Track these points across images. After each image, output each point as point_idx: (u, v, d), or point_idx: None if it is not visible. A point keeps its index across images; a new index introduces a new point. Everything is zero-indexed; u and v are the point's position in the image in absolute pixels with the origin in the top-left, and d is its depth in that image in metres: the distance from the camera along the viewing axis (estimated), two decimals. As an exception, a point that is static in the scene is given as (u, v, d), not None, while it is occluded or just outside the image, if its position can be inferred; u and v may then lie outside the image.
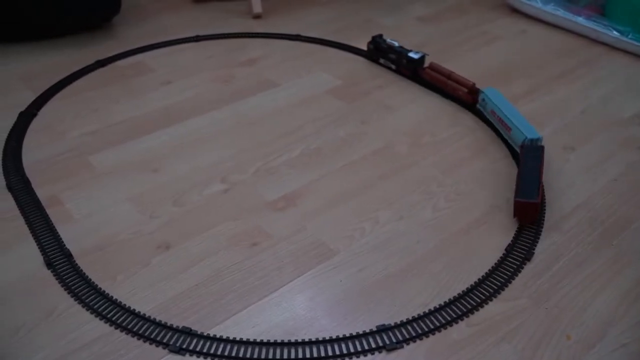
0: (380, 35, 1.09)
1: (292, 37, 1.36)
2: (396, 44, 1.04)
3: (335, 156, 0.97)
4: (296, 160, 0.96)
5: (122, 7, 1.42)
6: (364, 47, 1.29)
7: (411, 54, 1.07)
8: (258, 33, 1.38)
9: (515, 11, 1.48)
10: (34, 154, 0.97)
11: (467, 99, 1.06)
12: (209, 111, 1.09)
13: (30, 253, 0.78)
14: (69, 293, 0.72)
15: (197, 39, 1.35)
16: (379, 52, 1.16)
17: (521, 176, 0.83)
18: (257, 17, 1.46)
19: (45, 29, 1.31)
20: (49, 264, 0.75)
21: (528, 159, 0.86)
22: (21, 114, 1.06)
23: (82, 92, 1.15)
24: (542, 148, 0.88)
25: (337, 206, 0.86)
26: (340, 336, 0.66)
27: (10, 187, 0.89)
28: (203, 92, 1.15)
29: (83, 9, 1.30)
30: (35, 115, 1.07)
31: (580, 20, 1.35)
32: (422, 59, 1.10)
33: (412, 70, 1.12)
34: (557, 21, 1.40)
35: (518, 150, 0.92)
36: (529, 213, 0.80)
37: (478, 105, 1.05)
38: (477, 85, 1.08)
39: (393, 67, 1.17)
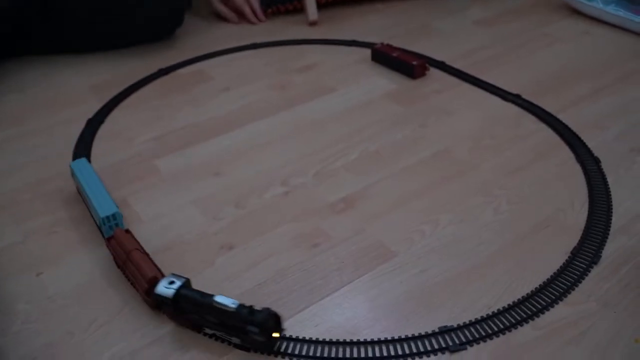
0: None
1: (348, 43, 1.37)
2: None
3: (393, 159, 0.97)
4: (354, 163, 0.97)
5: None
6: (421, 52, 1.29)
7: None
8: (314, 40, 1.40)
9: (576, 12, 1.45)
10: (103, 159, 1.01)
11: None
12: (266, 117, 1.11)
13: (100, 253, 0.81)
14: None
15: (254, 46, 1.38)
16: None
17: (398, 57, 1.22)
18: (313, 24, 1.48)
19: (111, 42, 1.37)
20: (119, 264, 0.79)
21: None
22: (89, 121, 1.11)
23: (146, 100, 1.19)
24: None
25: (396, 209, 0.87)
26: (403, 337, 0.66)
27: (80, 192, 0.93)
28: (261, 99, 1.17)
29: (148, 24, 1.36)
30: (102, 122, 1.12)
31: (644, 20, 1.31)
32: None
33: None
34: (619, 22, 1.36)
35: None
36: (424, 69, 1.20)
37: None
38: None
39: None
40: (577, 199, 0.86)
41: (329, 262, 0.78)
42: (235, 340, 0.67)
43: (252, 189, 0.92)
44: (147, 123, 1.11)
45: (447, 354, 0.65)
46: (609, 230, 0.80)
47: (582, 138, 0.98)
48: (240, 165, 0.98)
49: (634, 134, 0.99)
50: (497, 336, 0.66)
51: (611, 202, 0.84)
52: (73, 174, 0.89)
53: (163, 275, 0.71)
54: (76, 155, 1.01)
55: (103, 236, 0.81)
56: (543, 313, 0.68)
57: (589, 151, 0.95)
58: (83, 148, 1.04)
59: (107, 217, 0.80)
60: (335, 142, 1.02)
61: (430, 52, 1.30)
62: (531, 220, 0.82)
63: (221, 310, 0.65)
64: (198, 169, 0.98)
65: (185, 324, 0.69)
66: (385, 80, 1.21)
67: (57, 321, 0.72)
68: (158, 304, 0.70)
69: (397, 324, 0.68)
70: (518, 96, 1.11)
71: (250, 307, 0.64)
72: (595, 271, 0.74)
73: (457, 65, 1.24)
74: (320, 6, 1.49)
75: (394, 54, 1.23)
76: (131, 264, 0.74)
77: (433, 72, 1.22)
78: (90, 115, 1.13)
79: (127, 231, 0.80)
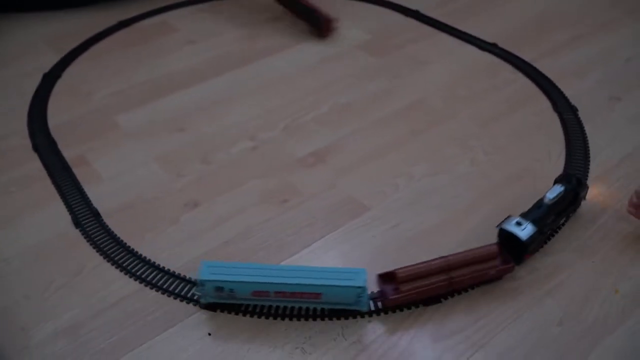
0: None
1: (318, -7, 1.31)
2: None
3: (365, 112, 0.93)
4: (325, 116, 0.93)
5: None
6: (396, 1, 1.24)
7: None
8: (283, -10, 1.34)
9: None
10: (60, 115, 0.95)
11: None
12: (234, 70, 1.06)
13: (58, 212, 0.77)
14: (97, 251, 0.70)
15: (221, -3, 1.31)
16: None
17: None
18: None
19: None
20: (77, 223, 0.74)
21: None
22: (45, 76, 1.05)
23: (105, 53, 1.12)
24: None
25: (369, 162, 0.83)
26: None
27: (36, 148, 0.88)
28: (228, 51, 1.12)
29: None
30: (59, 77, 1.05)
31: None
32: None
33: None
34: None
35: None
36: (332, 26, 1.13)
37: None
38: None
39: None
40: (554, 148, 0.83)
41: (299, 218, 0.74)
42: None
43: (218, 144, 0.88)
44: (107, 77, 1.05)
45: (421, 307, 0.63)
46: (587, 179, 0.77)
47: (560, 87, 0.95)
48: (206, 119, 0.93)
49: (613, 81, 0.97)
50: (472, 288, 0.64)
51: (589, 151, 0.82)
52: (214, 286, 0.61)
53: None
54: (32, 113, 0.95)
55: (363, 310, 0.63)
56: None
57: (566, 100, 0.92)
58: (40, 103, 0.98)
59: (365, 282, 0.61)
60: (305, 95, 0.98)
61: (404, 1, 1.25)
62: (507, 171, 0.80)
63: (559, 200, 0.68)
64: (161, 124, 0.93)
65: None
66: (357, 31, 1.16)
67: (13, 284, 0.68)
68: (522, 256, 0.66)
69: (370, 279, 0.66)
70: (494, 45, 1.07)
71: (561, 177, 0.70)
72: (572, 221, 0.72)
73: (432, 14, 1.19)
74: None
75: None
76: (469, 266, 0.63)
77: (407, 21, 1.18)
78: (46, 70, 1.07)
79: (390, 273, 0.64)
